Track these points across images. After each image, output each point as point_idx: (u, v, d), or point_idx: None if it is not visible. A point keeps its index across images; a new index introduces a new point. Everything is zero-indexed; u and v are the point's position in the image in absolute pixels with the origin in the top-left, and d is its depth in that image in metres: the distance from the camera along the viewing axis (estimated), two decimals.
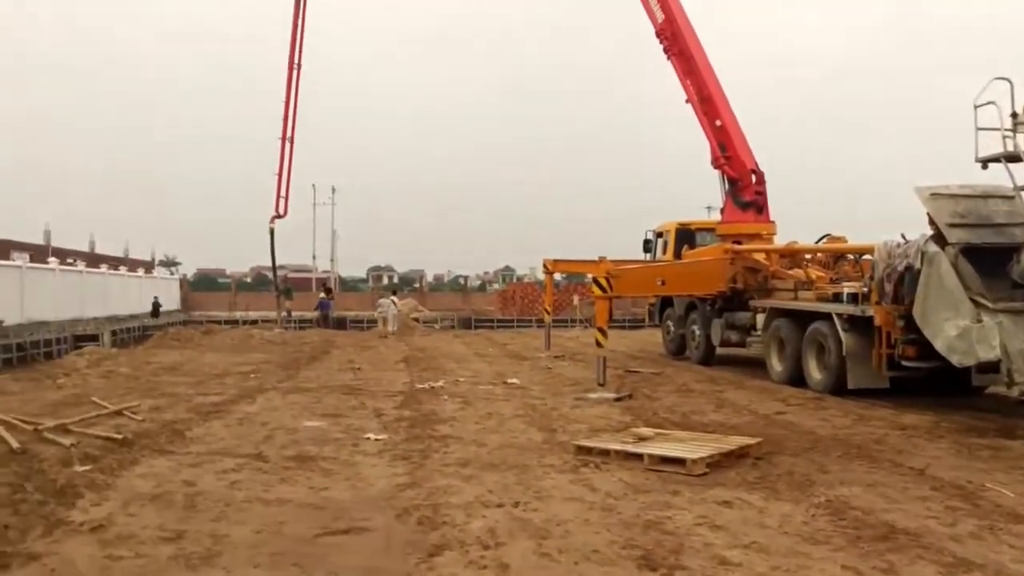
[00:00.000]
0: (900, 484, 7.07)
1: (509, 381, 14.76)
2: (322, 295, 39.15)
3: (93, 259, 44.92)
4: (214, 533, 5.59)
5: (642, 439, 8.43)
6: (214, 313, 45.22)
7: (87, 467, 7.43)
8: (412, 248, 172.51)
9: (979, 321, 10.06)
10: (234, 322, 38.25)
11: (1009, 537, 5.53)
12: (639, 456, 7.73)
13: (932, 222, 11.11)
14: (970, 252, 10.71)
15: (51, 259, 32.37)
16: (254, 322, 37.88)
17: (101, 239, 52.12)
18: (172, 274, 63.10)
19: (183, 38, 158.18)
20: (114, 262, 45.13)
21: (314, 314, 38.46)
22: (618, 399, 12.31)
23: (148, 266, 51.22)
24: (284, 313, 38.07)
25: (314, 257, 67.73)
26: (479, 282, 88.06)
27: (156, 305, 40.21)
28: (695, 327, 18.64)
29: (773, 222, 17.85)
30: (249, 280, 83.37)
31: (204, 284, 74.47)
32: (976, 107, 9.51)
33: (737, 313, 16.86)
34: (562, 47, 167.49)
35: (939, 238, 10.86)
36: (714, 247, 18.17)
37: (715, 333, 17.55)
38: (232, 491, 6.77)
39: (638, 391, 13.29)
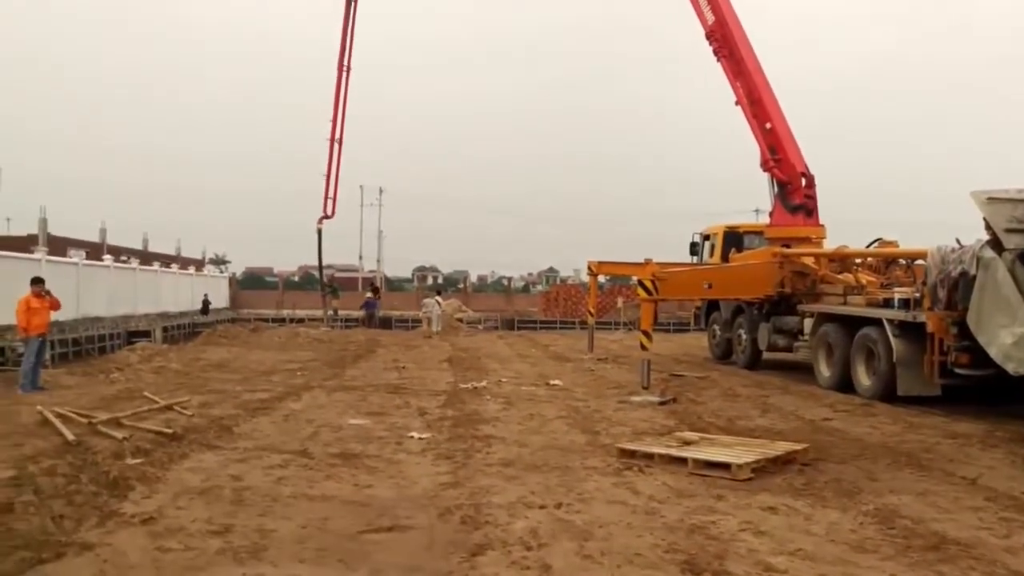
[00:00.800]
0: (951, 494, 6.91)
1: (552, 383, 14.75)
2: (368, 295, 39.53)
3: (146, 257, 45.90)
4: (261, 528, 5.68)
5: (686, 443, 8.36)
6: (262, 311, 45.97)
7: (138, 460, 7.61)
8: (457, 249, 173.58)
9: None
10: (281, 320, 38.87)
11: None
12: (683, 460, 7.67)
13: (988, 227, 10.83)
14: None
15: (106, 256, 33.10)
16: (301, 320, 38.36)
17: (154, 238, 53.17)
18: (222, 272, 64.13)
19: (233, 52, 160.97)
20: (166, 260, 46.05)
21: (360, 313, 38.87)
22: (662, 403, 12.22)
23: (199, 264, 52.15)
24: (330, 312, 38.52)
25: (360, 257, 68.56)
26: (523, 283, 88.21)
27: (206, 303, 40.97)
28: (741, 331, 18.44)
29: (823, 225, 17.56)
30: (296, 279, 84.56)
31: (252, 283, 75.72)
32: None
33: (785, 317, 16.65)
34: (611, 48, 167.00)
35: (996, 243, 10.59)
36: (762, 250, 17.97)
37: (762, 337, 17.35)
38: (278, 487, 6.87)
39: (682, 395, 13.18)
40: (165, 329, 28.83)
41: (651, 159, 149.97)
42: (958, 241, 11.37)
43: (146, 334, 26.45)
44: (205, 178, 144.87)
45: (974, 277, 10.46)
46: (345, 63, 33.86)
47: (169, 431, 8.91)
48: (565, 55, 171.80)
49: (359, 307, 39.20)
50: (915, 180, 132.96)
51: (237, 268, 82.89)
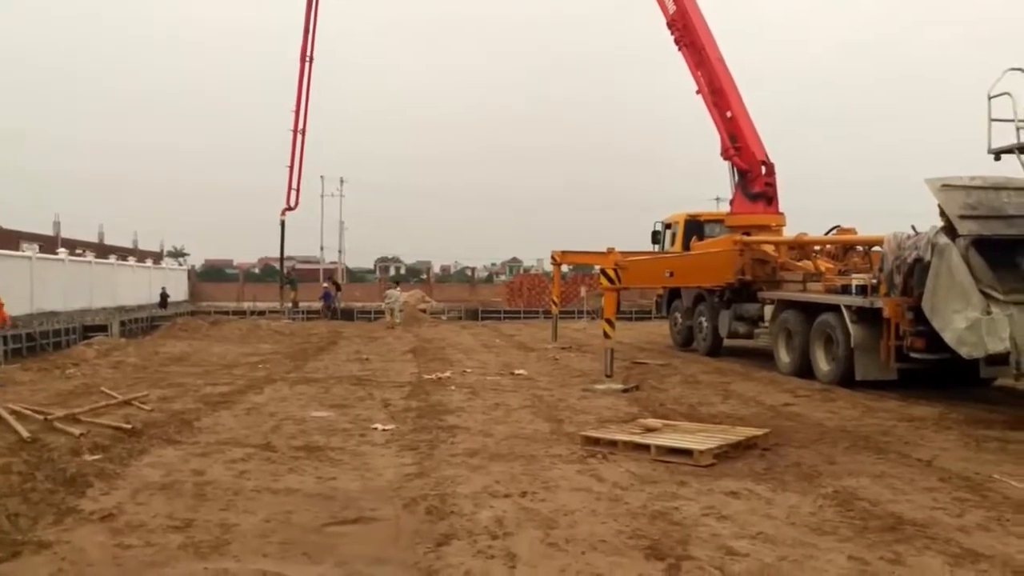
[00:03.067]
0: (907, 475, 7.06)
1: (516, 372, 14.78)
2: (325, 285, 39.43)
3: (102, 250, 45.05)
4: (223, 522, 5.62)
5: (649, 430, 8.43)
6: (222, 304, 45.40)
7: (96, 456, 7.48)
8: (420, 240, 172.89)
9: (989, 313, 10.01)
10: (242, 313, 38.36)
11: (1017, 528, 5.51)
12: (646, 447, 7.74)
13: (943, 214, 11.05)
14: (981, 244, 10.65)
15: (60, 250, 32.47)
16: (262, 313, 37.96)
17: (110, 231, 52.27)
18: (180, 265, 63.24)
19: (201, 33, 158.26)
20: (123, 253, 45.27)
21: (319, 304, 38.72)
22: (625, 390, 12.31)
23: (156, 257, 51.37)
24: (290, 304, 38.24)
25: (322, 248, 67.92)
26: (486, 273, 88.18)
27: (164, 296, 40.38)
28: (703, 318, 18.62)
29: (782, 213, 17.78)
30: (257, 271, 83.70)
31: (212, 275, 74.85)
32: (990, 98, 9.44)
33: (745, 305, 16.84)
34: (575, 40, 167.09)
35: (950, 230, 10.80)
36: (723, 238, 18.15)
37: (723, 324, 17.54)
38: (241, 481, 6.80)
39: (645, 382, 13.29)
40: (122, 323, 28.30)
41: (614, 147, 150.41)
42: (914, 228, 11.58)
43: (103, 328, 25.95)
44: (162, 170, 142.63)
45: (929, 263, 10.65)
46: (308, 53, 33.51)
47: (128, 426, 8.78)
48: (528, 45, 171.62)
49: (317, 298, 39.10)
50: (872, 168, 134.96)
51: (196, 261, 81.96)
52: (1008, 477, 6.96)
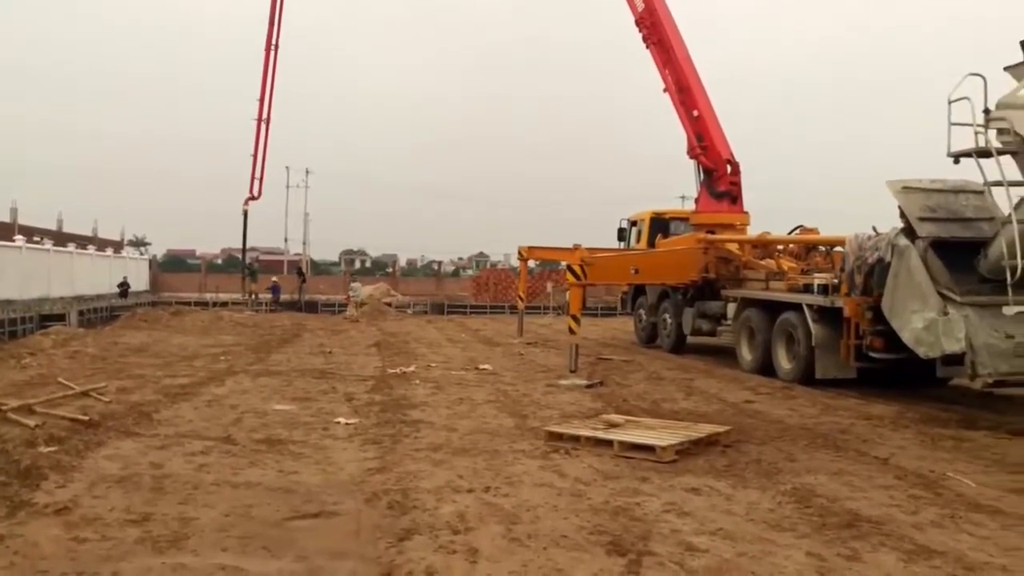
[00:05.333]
0: (865, 473, 7.17)
1: (481, 367, 14.77)
2: (274, 279, 39.25)
3: (61, 238, 44.07)
4: (182, 516, 5.55)
5: (612, 426, 8.47)
6: (184, 294, 44.75)
7: (52, 448, 7.34)
8: (385, 232, 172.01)
9: (945, 314, 10.21)
10: (204, 304, 37.87)
11: (969, 525, 5.63)
12: (609, 443, 7.78)
13: (903, 215, 11.25)
14: (939, 246, 10.86)
15: (17, 237, 31.74)
16: (224, 304, 37.52)
17: (69, 219, 51.15)
18: (142, 254, 62.21)
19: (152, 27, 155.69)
20: (82, 241, 44.38)
21: (289, 297, 38.53)
22: (589, 386, 12.36)
23: (117, 246, 50.45)
24: (252, 296, 37.93)
25: (286, 239, 67.18)
26: (453, 268, 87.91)
27: (124, 285, 39.72)
28: (667, 315, 18.75)
29: (747, 212, 17.96)
30: (220, 262, 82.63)
31: (174, 265, 73.78)
32: (950, 102, 9.60)
33: (708, 302, 16.99)
34: (543, 35, 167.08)
35: (909, 231, 11.00)
36: (687, 236, 18.29)
37: (686, 322, 17.68)
38: (200, 474, 6.72)
39: (609, 378, 13.36)
40: (81, 313, 27.79)
41: (581, 144, 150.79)
42: (874, 229, 11.76)
43: (60, 318, 25.44)
44: (124, 158, 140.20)
45: (889, 264, 10.83)
46: (273, 41, 33.20)
47: (85, 418, 8.63)
48: (494, 40, 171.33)
49: (266, 288, 38.81)
50: (832, 171, 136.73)
51: (158, 250, 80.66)
52: (961, 475, 7.10)
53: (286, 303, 37.56)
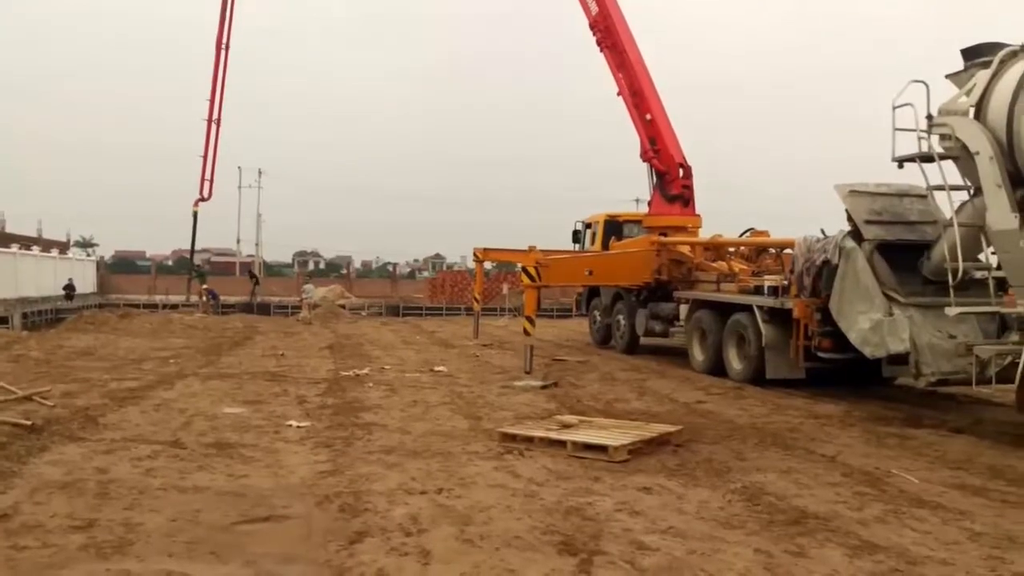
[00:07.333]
0: (812, 471, 7.30)
1: (436, 369, 14.73)
2: (204, 287, 38.36)
3: (3, 239, 42.92)
4: (127, 522, 5.43)
5: (566, 426, 8.51)
6: (133, 297, 43.74)
7: None
8: (340, 234, 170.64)
9: (891, 315, 10.45)
10: (154, 306, 37.16)
11: (912, 521, 5.76)
12: (562, 443, 7.81)
13: (850, 218, 11.49)
14: (884, 248, 11.12)
15: None
16: (175, 306, 36.86)
17: (12, 220, 49.89)
18: (89, 256, 60.80)
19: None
20: (26, 242, 43.25)
21: (240, 299, 37.98)
22: (544, 387, 12.39)
23: (63, 247, 49.25)
24: (204, 298, 37.32)
25: (238, 241, 66.15)
26: (408, 269, 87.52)
27: (70, 288, 38.79)
28: (620, 317, 18.88)
29: (699, 215, 18.16)
30: (171, 263, 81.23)
31: (123, 267, 72.25)
32: (894, 108, 9.83)
33: (661, 304, 17.14)
34: (497, 37, 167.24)
35: (856, 234, 11.24)
36: (641, 239, 18.44)
37: (640, 323, 17.81)
38: (147, 478, 6.59)
39: (564, 379, 13.41)
40: (25, 315, 27.09)
41: (536, 148, 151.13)
42: (823, 232, 11.98)
43: (3, 320, 24.78)
44: (69, 158, 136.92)
45: (836, 266, 11.05)
46: (224, 41, 32.76)
47: (27, 423, 8.40)
48: (450, 44, 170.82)
49: (202, 293, 37.92)
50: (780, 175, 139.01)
51: (106, 251, 78.97)
52: (905, 472, 7.27)
53: (241, 305, 36.93)
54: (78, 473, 6.70)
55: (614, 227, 20.67)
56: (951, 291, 9.49)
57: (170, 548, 4.97)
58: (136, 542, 5.05)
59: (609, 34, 18.65)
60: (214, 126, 33.79)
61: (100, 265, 54.49)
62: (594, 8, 18.88)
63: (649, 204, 19.03)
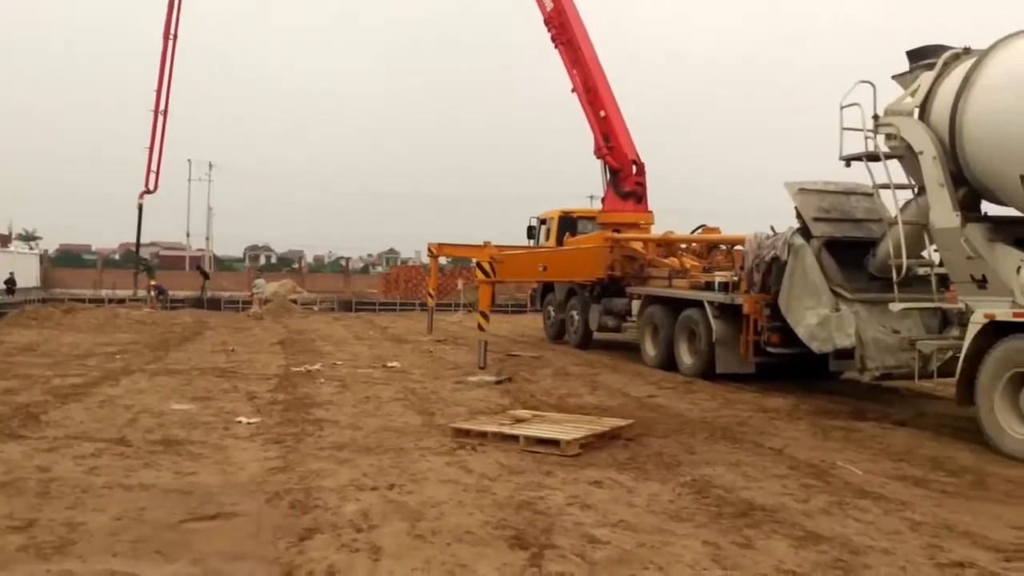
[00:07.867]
0: (760, 464, 7.42)
1: (389, 364, 14.64)
2: (153, 283, 37.60)
3: None
4: (69, 521, 5.31)
5: (519, 421, 8.53)
6: (77, 291, 42.76)
7: None
8: (292, 228, 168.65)
9: (837, 310, 10.66)
10: (100, 301, 36.33)
11: (855, 512, 5.89)
12: (515, 438, 7.82)
13: (799, 215, 11.68)
14: (832, 245, 11.33)
15: None
16: (121, 301, 36.08)
17: None
18: (31, 249, 59.26)
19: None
20: None
21: (190, 294, 37.42)
22: (498, 382, 12.40)
23: (4, 240, 47.97)
24: (152, 293, 36.64)
25: (188, 235, 65.26)
26: (362, 264, 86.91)
27: (11, 282, 37.81)
28: (574, 312, 18.97)
29: (651, 212, 18.35)
30: (117, 257, 79.47)
31: (68, 260, 70.60)
32: (841, 108, 10.01)
33: (614, 299, 17.26)
34: (450, 29, 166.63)
35: (805, 231, 11.44)
36: (594, 235, 18.54)
37: (593, 318, 17.92)
38: (90, 477, 6.45)
39: (518, 374, 13.43)
40: None
41: (491, 142, 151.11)
42: (772, 228, 12.18)
43: None
44: (9, 142, 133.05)
45: (785, 262, 11.23)
46: (172, 31, 32.16)
47: None
48: (411, 36, 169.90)
49: (151, 288, 37.14)
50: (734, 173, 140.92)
51: (50, 244, 77.10)
52: (850, 464, 7.43)
53: (191, 300, 36.35)
54: (18, 472, 6.53)
55: (568, 223, 20.74)
56: (895, 287, 9.70)
57: (114, 547, 4.87)
58: (79, 542, 4.94)
59: (563, 30, 18.73)
60: (160, 117, 33.15)
61: (43, 259, 53.25)
62: (549, 4, 18.94)
63: (603, 201, 19.15)
